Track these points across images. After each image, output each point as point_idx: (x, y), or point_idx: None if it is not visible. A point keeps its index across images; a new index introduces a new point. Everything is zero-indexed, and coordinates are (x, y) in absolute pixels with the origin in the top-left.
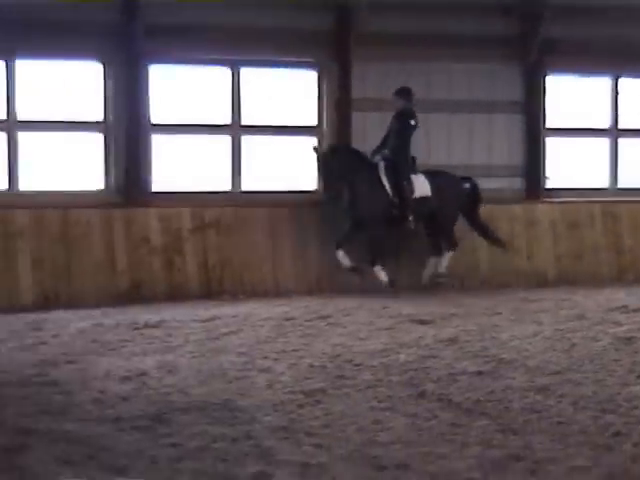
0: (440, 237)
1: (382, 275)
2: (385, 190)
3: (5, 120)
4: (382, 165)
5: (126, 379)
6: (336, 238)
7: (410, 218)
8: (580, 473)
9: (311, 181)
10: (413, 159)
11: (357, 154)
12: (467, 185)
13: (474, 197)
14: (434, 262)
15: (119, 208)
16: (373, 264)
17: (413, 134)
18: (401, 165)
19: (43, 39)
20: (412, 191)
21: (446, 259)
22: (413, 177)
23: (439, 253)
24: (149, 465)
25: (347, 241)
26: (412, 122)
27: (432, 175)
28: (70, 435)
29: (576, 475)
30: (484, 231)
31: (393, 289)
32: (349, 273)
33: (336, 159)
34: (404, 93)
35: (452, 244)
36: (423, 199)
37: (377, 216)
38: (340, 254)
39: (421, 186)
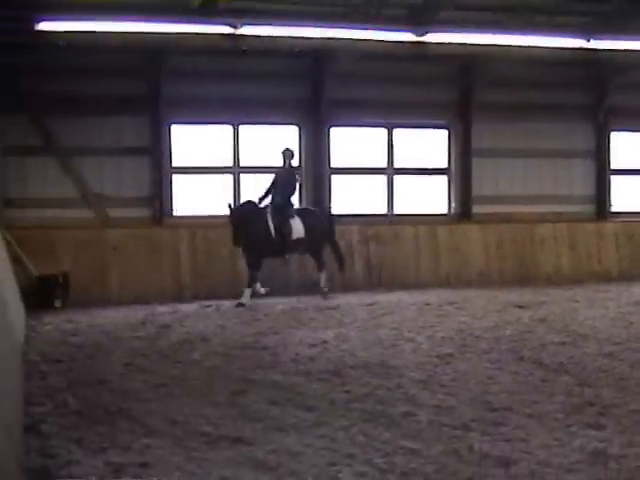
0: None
1: (248, 297)
2: (270, 232)
3: (232, 166)
4: (269, 211)
5: (313, 345)
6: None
7: (287, 256)
8: (636, 414)
9: (441, 206)
10: (293, 207)
11: (255, 206)
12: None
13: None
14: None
15: None
16: (249, 285)
17: (296, 187)
18: (284, 212)
19: (258, 112)
20: (290, 234)
21: (323, 277)
22: (292, 221)
23: (321, 267)
24: (329, 405)
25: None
26: (297, 177)
27: (303, 215)
28: (276, 384)
29: (633, 416)
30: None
31: (241, 307)
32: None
33: (242, 212)
34: (289, 154)
35: (322, 265)
36: (299, 239)
37: (260, 249)
38: (247, 292)
39: (297, 228)
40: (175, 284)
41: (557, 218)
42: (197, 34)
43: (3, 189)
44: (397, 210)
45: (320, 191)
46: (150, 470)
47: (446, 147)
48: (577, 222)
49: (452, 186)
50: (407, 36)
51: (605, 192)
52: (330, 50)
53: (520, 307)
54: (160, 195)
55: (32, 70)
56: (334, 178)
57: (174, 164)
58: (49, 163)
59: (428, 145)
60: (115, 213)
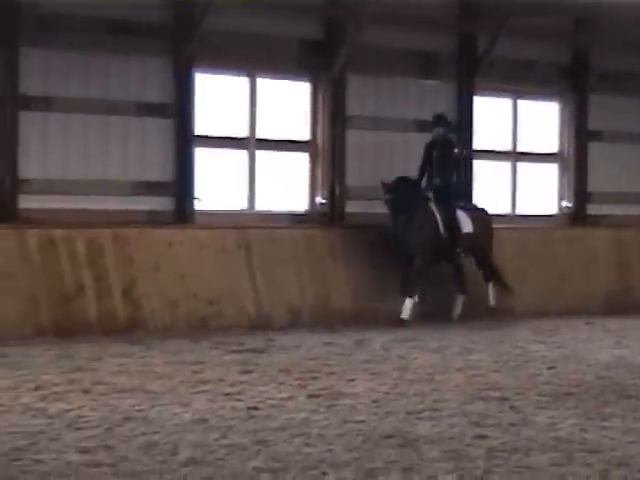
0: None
1: (407, 311)
2: (437, 224)
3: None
4: (432, 198)
5: None
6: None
7: (461, 254)
8: None
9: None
10: (457, 193)
11: (415, 186)
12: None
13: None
14: (460, 300)
15: None
16: (410, 295)
17: (458, 164)
18: (451, 199)
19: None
20: (460, 227)
21: (492, 290)
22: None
23: (463, 291)
24: None
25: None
26: (455, 151)
27: (470, 211)
28: None
29: None
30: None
31: (400, 325)
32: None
33: (396, 191)
34: (440, 120)
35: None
36: (467, 235)
37: (425, 249)
38: (408, 303)
39: (465, 222)
40: None
41: None
42: None
43: None
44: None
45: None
46: None
47: (557, 125)
48: None
49: (565, 177)
50: None
51: None
52: None
53: None
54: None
55: None
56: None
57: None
58: None
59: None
60: None
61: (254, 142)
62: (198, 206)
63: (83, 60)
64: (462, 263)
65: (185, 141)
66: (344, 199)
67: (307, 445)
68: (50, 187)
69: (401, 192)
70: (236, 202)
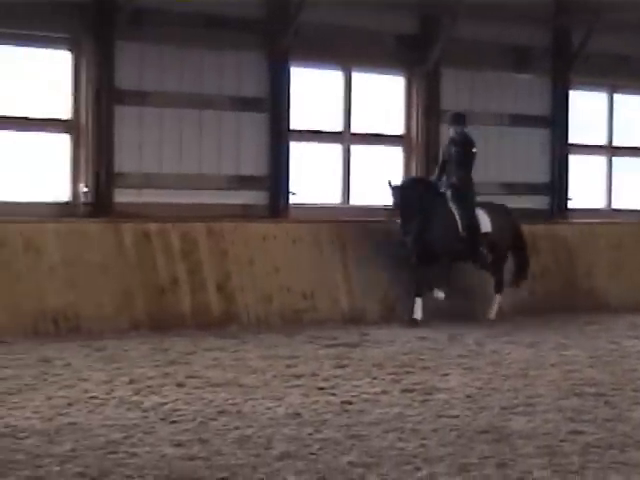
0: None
1: (418, 310)
2: (455, 223)
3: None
4: (449, 196)
5: None
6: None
7: (484, 251)
8: None
9: None
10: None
11: (429, 186)
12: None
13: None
14: (497, 299)
15: None
16: (419, 295)
17: (474, 163)
18: (469, 198)
19: None
20: (479, 225)
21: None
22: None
23: (500, 290)
24: None
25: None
26: (474, 150)
27: (490, 210)
28: None
29: None
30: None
31: (411, 325)
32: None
33: (413, 194)
34: (460, 119)
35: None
36: (486, 235)
37: (445, 249)
38: (418, 303)
39: (483, 221)
40: None
41: None
42: None
43: None
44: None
45: None
46: None
47: None
48: None
49: None
50: None
51: None
52: None
53: None
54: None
55: None
56: None
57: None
58: None
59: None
60: None
61: (349, 136)
62: (293, 200)
63: (178, 54)
64: (488, 261)
65: (280, 135)
66: None
67: (401, 440)
68: (145, 181)
69: (414, 192)
70: (330, 196)
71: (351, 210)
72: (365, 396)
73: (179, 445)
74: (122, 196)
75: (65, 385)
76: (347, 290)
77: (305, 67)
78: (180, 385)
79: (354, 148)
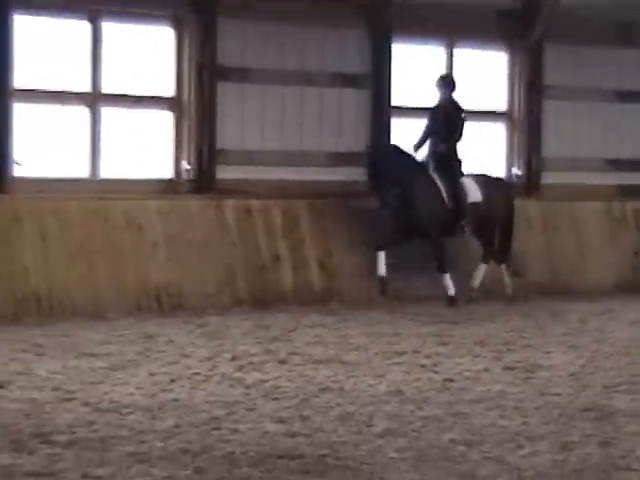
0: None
1: (450, 285)
2: (439, 193)
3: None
4: (432, 166)
5: None
6: (377, 241)
7: (465, 227)
8: None
9: None
10: (460, 161)
11: (404, 153)
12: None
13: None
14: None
15: None
16: (442, 270)
17: (463, 130)
18: (454, 166)
19: None
20: (466, 196)
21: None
22: (462, 180)
23: (487, 260)
24: None
25: (391, 245)
26: (463, 116)
27: (480, 179)
28: None
29: None
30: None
31: (455, 303)
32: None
33: (387, 159)
34: (447, 82)
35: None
36: (474, 205)
37: (434, 223)
38: (381, 257)
39: (472, 191)
40: None
41: None
42: None
43: None
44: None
45: None
46: None
47: None
48: None
49: None
50: None
51: None
52: None
53: None
54: None
55: None
56: None
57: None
58: None
59: None
60: None
61: None
62: None
63: (280, 31)
64: (467, 235)
65: (381, 112)
66: (540, 170)
67: (503, 418)
68: (247, 158)
69: (392, 162)
70: None
71: None
72: (467, 374)
73: (281, 422)
74: (224, 173)
75: (168, 361)
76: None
77: (407, 43)
78: (282, 362)
79: None
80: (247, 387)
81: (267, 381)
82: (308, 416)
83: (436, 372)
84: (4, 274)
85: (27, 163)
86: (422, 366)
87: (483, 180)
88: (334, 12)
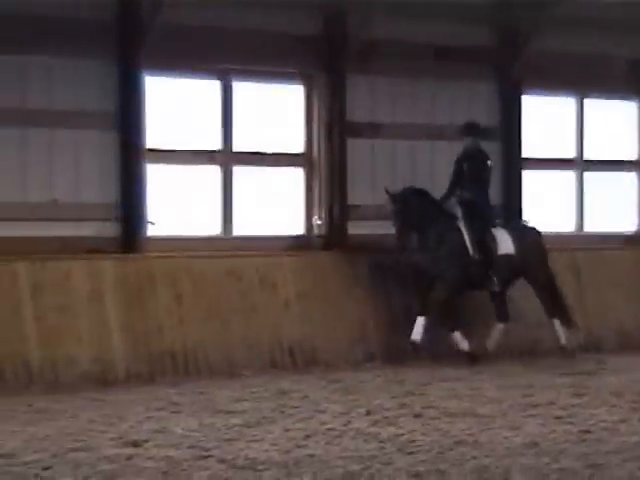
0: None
1: (463, 343)
2: (464, 244)
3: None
4: (460, 214)
5: None
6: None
7: (494, 278)
8: None
9: None
10: (493, 209)
11: (433, 200)
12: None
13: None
14: (499, 329)
15: None
16: (452, 329)
17: (491, 178)
18: (484, 215)
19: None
20: (496, 247)
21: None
22: (494, 231)
23: (505, 319)
24: None
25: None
26: (489, 163)
27: (514, 229)
28: None
29: None
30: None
31: (473, 362)
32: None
33: (411, 205)
34: (473, 129)
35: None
36: (506, 257)
37: (455, 274)
38: (420, 322)
39: (504, 242)
40: None
41: None
42: None
43: None
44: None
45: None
46: None
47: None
48: None
49: None
50: None
51: None
52: None
53: None
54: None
55: None
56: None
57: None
58: None
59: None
60: None
61: (582, 163)
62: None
63: (409, 85)
64: (497, 289)
65: (513, 163)
66: None
67: None
68: (379, 213)
69: (415, 203)
70: (564, 224)
71: (585, 237)
72: (603, 424)
73: (416, 476)
74: (356, 228)
75: (302, 417)
76: (583, 318)
77: (537, 95)
78: (417, 416)
79: (587, 175)
80: (382, 441)
81: (402, 435)
82: (444, 470)
83: (572, 423)
84: (139, 333)
85: (160, 222)
86: (557, 418)
87: (516, 230)
88: (463, 66)
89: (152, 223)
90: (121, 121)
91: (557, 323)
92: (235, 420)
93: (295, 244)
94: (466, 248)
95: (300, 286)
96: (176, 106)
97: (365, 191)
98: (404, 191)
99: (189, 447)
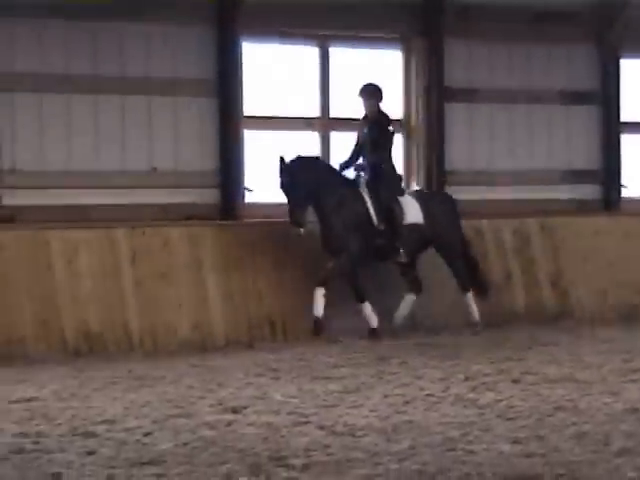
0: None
1: (373, 317)
2: (368, 213)
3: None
4: (363, 182)
5: None
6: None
7: (401, 250)
8: None
9: None
10: (400, 177)
11: (329, 168)
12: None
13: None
14: (410, 301)
15: None
16: (361, 300)
17: (393, 143)
18: (388, 182)
19: None
20: (402, 216)
21: (472, 301)
22: (401, 199)
23: (417, 290)
24: None
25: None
26: (390, 128)
27: (422, 196)
28: None
29: None
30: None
31: (376, 337)
32: (317, 327)
33: (303, 173)
34: (373, 92)
35: (478, 283)
36: (414, 226)
37: (359, 247)
38: (319, 294)
39: (411, 210)
40: None
41: None
42: None
43: None
44: None
45: None
46: None
47: None
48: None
49: None
50: None
51: None
52: None
53: None
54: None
55: None
56: None
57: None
58: None
59: None
60: None
61: None
62: (625, 194)
63: (506, 50)
64: (404, 260)
65: (612, 128)
66: None
67: None
68: (476, 178)
69: (308, 173)
70: None
71: None
72: None
73: (516, 442)
74: (453, 193)
75: (401, 383)
76: None
77: (635, 58)
78: (515, 381)
79: None
80: (481, 407)
81: (501, 401)
82: (543, 436)
83: None
84: (238, 299)
85: (258, 189)
86: None
87: (425, 196)
88: (560, 29)
89: (250, 190)
90: (219, 88)
91: (469, 297)
92: (334, 386)
93: None
94: (370, 217)
95: None
96: (273, 73)
97: (463, 156)
98: (291, 161)
99: (288, 413)
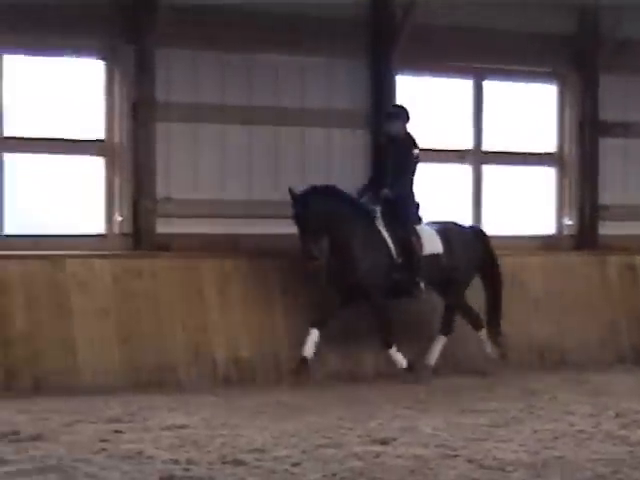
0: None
1: (399, 358)
2: (386, 246)
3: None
4: (379, 212)
5: None
6: (313, 316)
7: (421, 284)
8: None
9: None
10: (417, 205)
11: (344, 197)
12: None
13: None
14: (441, 342)
15: None
16: (388, 345)
17: (417, 169)
18: (406, 212)
19: None
20: (421, 247)
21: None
22: (419, 229)
23: (447, 331)
24: None
25: (328, 319)
26: (415, 152)
27: (440, 227)
28: None
29: None
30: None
31: (413, 374)
32: (300, 367)
33: (316, 204)
34: (397, 113)
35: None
36: (434, 257)
37: (376, 282)
38: (313, 336)
39: (430, 240)
40: None
41: None
42: None
43: None
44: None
45: None
46: None
47: None
48: None
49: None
50: None
51: None
52: None
53: None
54: None
55: None
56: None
57: None
58: None
59: None
60: None
61: None
62: None
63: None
64: (422, 295)
65: None
66: None
67: None
68: (630, 213)
69: (323, 203)
70: None
71: None
72: None
73: None
74: (607, 229)
75: (551, 418)
76: None
77: None
78: None
79: None
80: (631, 445)
81: None
82: None
83: None
84: None
85: None
86: None
87: (446, 227)
88: None
89: None
90: (373, 120)
91: (484, 333)
92: (482, 420)
93: (545, 244)
94: (389, 250)
95: (550, 286)
96: (427, 105)
97: (616, 191)
98: (305, 191)
99: (437, 446)
